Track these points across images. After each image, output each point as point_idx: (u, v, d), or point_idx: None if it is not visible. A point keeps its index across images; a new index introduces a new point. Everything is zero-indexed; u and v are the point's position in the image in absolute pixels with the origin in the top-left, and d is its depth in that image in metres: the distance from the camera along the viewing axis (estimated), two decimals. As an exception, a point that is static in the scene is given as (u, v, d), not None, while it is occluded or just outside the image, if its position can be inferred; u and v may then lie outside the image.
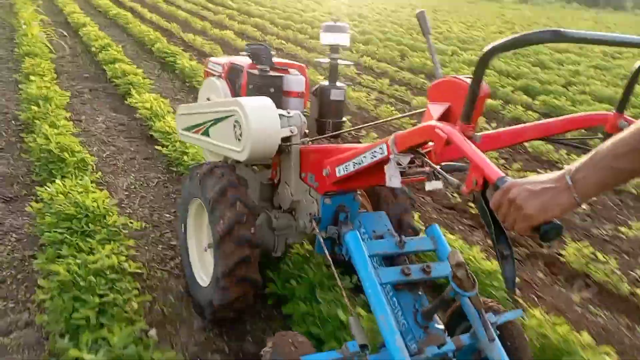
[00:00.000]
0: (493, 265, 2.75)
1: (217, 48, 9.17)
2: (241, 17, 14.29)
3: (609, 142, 1.01)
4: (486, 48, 1.20)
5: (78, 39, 8.98)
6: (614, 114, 1.62)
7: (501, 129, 1.81)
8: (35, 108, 4.49)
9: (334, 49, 2.42)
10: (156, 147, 4.37)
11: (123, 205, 3.49)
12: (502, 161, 5.25)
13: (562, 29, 1.10)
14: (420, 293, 1.87)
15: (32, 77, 5.36)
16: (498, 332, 1.76)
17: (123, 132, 4.97)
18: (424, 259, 2.85)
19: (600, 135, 1.69)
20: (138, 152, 4.52)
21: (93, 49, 7.84)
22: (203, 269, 2.49)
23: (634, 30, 21.36)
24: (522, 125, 1.81)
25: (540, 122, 1.80)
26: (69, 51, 7.89)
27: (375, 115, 6.45)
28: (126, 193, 3.69)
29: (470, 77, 1.39)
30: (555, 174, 1.07)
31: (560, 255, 3.42)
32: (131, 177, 3.97)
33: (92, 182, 3.28)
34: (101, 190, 3.13)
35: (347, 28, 2.38)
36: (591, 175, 1.02)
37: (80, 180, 3.18)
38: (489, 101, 6.88)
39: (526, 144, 5.49)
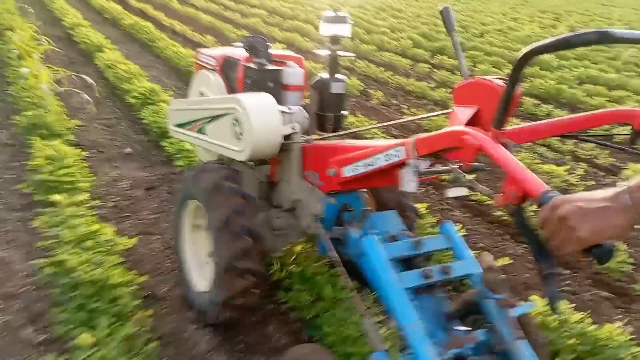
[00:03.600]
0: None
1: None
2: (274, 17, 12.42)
3: None
4: (525, 49, 1.12)
5: (95, 70, 6.48)
6: None
7: (524, 125, 1.71)
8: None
9: (334, 39, 2.30)
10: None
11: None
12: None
13: (609, 29, 1.00)
14: (441, 295, 1.83)
15: (54, 196, 2.87)
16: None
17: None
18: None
19: (626, 133, 1.59)
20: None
21: (129, 98, 5.16)
22: (202, 275, 2.38)
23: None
24: (546, 120, 1.73)
25: (565, 117, 1.72)
26: (94, 111, 5.02)
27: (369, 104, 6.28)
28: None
29: (501, 79, 1.30)
30: (611, 191, 0.97)
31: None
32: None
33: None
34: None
35: (348, 18, 2.27)
36: None
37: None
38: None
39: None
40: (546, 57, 9.30)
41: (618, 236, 0.96)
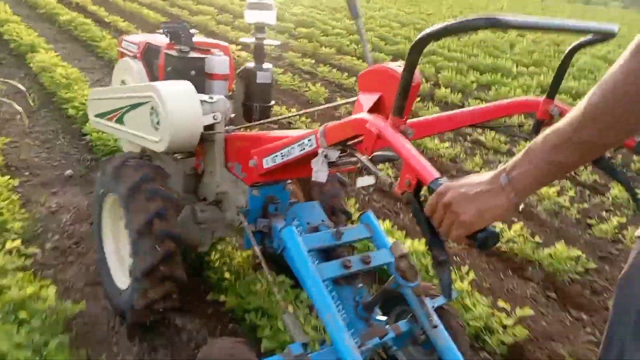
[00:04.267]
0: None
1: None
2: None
3: (543, 135, 0.93)
4: (419, 35, 1.11)
5: (28, 74, 5.78)
6: (544, 99, 1.58)
7: (433, 116, 1.75)
8: None
9: (259, 27, 2.24)
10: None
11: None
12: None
13: (499, 15, 1.00)
14: (360, 285, 1.82)
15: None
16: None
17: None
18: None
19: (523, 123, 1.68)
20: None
21: (69, 108, 4.45)
22: (122, 270, 2.27)
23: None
24: (454, 111, 1.76)
25: (471, 108, 1.77)
26: (27, 124, 4.30)
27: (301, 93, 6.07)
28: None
29: (401, 66, 1.26)
30: (490, 174, 0.98)
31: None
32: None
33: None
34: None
35: (272, 5, 2.20)
36: (528, 172, 0.93)
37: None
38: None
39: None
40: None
41: (501, 217, 0.97)
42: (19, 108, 4.01)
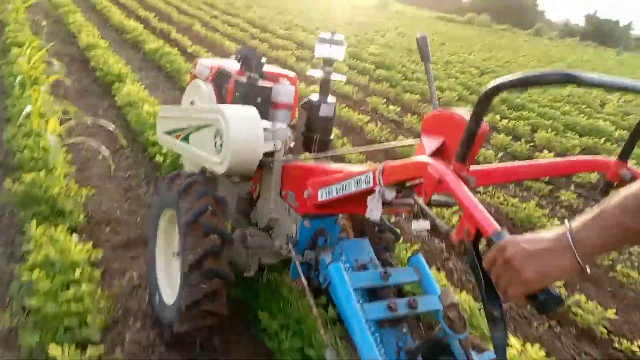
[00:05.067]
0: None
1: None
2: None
3: (616, 198, 0.88)
4: (491, 85, 1.09)
5: (112, 106, 5.51)
6: (615, 161, 1.51)
7: (495, 165, 1.70)
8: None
9: (328, 62, 2.26)
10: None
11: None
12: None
13: (575, 72, 0.98)
14: (404, 330, 1.76)
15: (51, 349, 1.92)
16: None
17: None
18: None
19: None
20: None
21: (156, 153, 4.04)
22: (170, 287, 2.29)
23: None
24: (519, 162, 1.75)
25: (538, 161, 1.76)
26: (112, 167, 3.88)
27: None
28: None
29: (468, 112, 1.26)
30: (555, 231, 0.94)
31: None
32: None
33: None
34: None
35: (343, 41, 2.24)
36: (596, 234, 0.89)
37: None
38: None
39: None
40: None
41: (562, 277, 0.94)
42: (106, 151, 3.68)
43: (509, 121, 8.03)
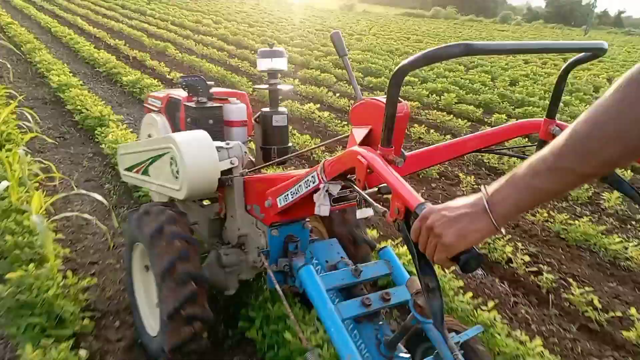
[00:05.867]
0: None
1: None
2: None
3: (527, 161, 0.92)
4: (398, 66, 1.15)
5: (97, 154, 5.01)
6: (544, 120, 1.56)
7: (433, 146, 1.76)
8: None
9: (272, 74, 2.33)
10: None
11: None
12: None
13: (472, 42, 1.04)
14: (381, 323, 1.78)
15: None
16: (462, 350, 1.65)
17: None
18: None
19: (534, 144, 1.63)
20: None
21: None
22: (152, 317, 2.30)
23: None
24: (455, 139, 1.78)
25: (474, 134, 1.76)
26: (111, 245, 3.32)
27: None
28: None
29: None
30: (473, 197, 0.98)
31: None
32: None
33: None
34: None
35: (284, 52, 2.30)
36: (509, 197, 0.93)
37: None
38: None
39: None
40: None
41: (481, 239, 0.97)
42: (103, 227, 3.09)
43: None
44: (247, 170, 2.19)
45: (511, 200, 0.92)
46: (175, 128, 2.50)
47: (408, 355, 1.72)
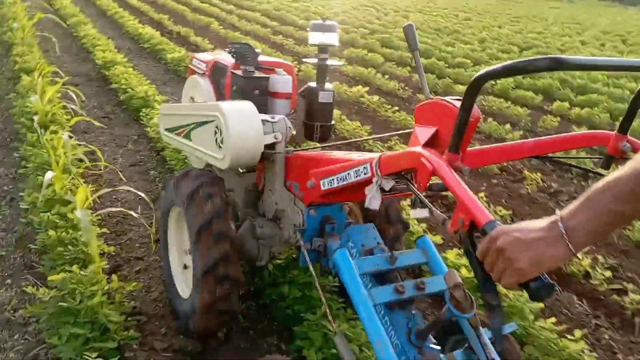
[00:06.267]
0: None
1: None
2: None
3: (604, 182, 0.87)
4: (478, 74, 1.11)
5: (141, 134, 4.88)
6: (615, 134, 1.50)
7: (491, 145, 1.72)
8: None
9: (322, 49, 2.27)
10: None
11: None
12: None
13: (562, 56, 0.98)
14: (413, 312, 1.76)
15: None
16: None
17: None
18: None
19: (600, 157, 1.59)
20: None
21: None
22: (185, 281, 2.36)
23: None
24: (516, 141, 1.75)
25: (536, 139, 1.71)
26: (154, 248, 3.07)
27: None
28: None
29: (459, 100, 1.26)
30: (546, 220, 0.94)
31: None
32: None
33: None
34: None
35: (336, 27, 2.24)
36: (587, 222, 0.88)
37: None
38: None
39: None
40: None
41: (556, 266, 0.94)
42: (146, 227, 2.93)
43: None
44: (292, 149, 2.18)
45: (590, 225, 0.88)
46: (219, 94, 2.48)
47: (438, 347, 1.71)
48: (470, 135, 1.42)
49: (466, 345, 1.65)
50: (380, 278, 1.84)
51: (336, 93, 2.86)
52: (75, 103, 4.65)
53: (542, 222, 0.94)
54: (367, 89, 6.83)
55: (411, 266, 1.92)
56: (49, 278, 2.25)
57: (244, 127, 2.02)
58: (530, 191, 4.44)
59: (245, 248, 2.20)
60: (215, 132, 2.10)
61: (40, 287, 2.30)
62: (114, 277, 2.42)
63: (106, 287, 2.29)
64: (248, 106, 2.08)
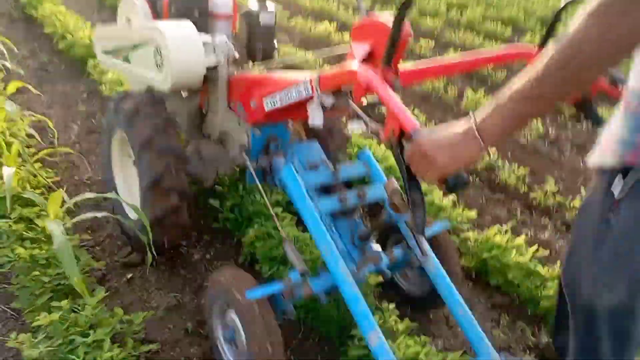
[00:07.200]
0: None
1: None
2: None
3: (509, 88, 1.00)
4: None
5: (93, 93, 4.13)
6: (538, 48, 1.62)
7: (423, 63, 1.77)
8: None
9: None
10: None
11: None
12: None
13: None
14: (356, 219, 1.89)
15: None
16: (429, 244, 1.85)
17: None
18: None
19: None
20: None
21: None
22: (132, 199, 2.33)
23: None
24: (445, 59, 1.80)
25: (464, 55, 1.81)
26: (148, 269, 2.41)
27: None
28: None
29: (391, 18, 1.31)
30: (462, 125, 1.07)
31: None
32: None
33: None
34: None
35: None
36: (495, 124, 1.02)
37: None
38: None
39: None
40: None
41: (471, 162, 1.07)
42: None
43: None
44: (235, 71, 2.18)
45: (498, 126, 1.01)
46: (157, 15, 2.40)
47: (379, 247, 1.86)
48: (402, 51, 1.47)
49: (404, 242, 1.86)
50: (325, 191, 1.93)
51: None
52: (5, 57, 3.81)
53: (459, 127, 1.06)
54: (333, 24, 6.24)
55: (353, 178, 2.01)
56: (34, 324, 1.74)
57: (184, 48, 2.01)
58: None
59: (191, 168, 2.21)
60: (155, 54, 2.07)
61: (21, 331, 1.78)
62: (118, 310, 1.92)
63: (111, 327, 1.80)
64: (188, 27, 2.06)
